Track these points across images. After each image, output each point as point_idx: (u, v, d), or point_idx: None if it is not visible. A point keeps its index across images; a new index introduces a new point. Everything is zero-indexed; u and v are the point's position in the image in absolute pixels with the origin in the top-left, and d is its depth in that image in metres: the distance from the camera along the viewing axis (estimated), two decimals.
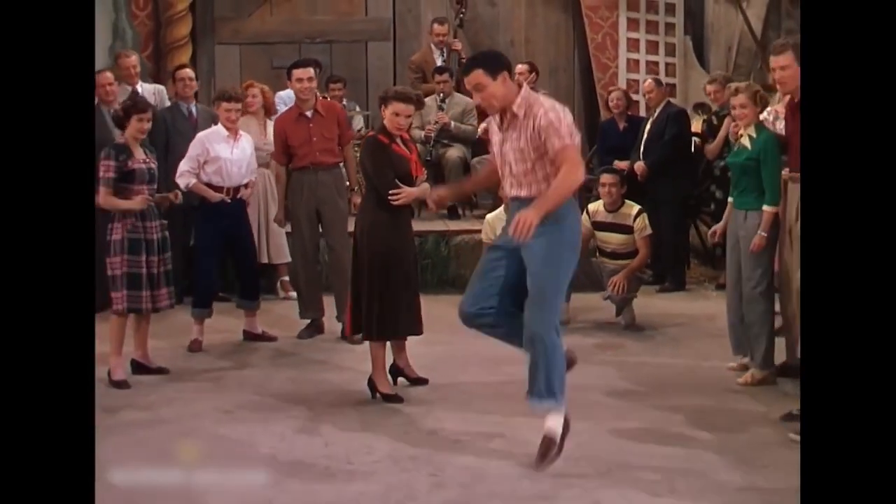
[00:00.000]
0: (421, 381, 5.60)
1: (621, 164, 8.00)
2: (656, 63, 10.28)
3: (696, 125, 8.60)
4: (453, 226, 8.58)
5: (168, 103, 8.23)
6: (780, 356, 5.68)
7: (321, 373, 5.96)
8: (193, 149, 6.59)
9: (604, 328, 7.02)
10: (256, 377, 5.92)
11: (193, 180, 6.51)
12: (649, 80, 8.71)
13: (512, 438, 4.65)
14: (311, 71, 6.78)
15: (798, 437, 4.61)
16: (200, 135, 6.70)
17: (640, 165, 8.16)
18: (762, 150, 5.54)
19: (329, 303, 6.82)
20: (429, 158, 8.56)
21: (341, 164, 6.97)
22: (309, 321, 6.84)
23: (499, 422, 4.92)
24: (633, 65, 10.30)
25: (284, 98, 8.13)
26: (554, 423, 4.28)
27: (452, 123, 8.85)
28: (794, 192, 5.44)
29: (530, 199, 4.25)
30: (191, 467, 4.45)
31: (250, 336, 6.77)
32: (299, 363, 6.21)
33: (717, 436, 4.79)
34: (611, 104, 8.76)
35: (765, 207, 5.50)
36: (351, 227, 6.74)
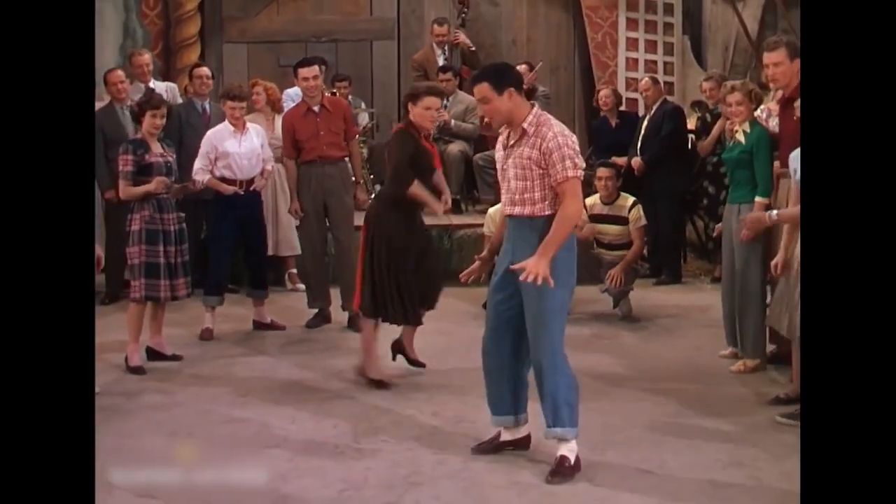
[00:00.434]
0: (419, 364, 5.82)
1: (619, 160, 8.21)
2: (655, 62, 10.45)
3: (693, 123, 8.80)
4: (456, 220, 8.77)
5: (180, 101, 8.47)
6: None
7: (329, 359, 6.19)
8: (203, 147, 6.83)
9: (601, 319, 7.23)
10: (267, 364, 6.16)
11: (208, 176, 6.75)
12: (646, 79, 8.91)
13: None
14: (316, 69, 6.99)
15: (784, 420, 4.89)
16: (209, 133, 6.93)
17: (637, 161, 8.38)
18: (755, 144, 5.74)
19: (336, 293, 7.04)
20: None
21: (347, 159, 7.18)
22: (316, 311, 7.08)
23: None
24: (632, 63, 10.49)
25: (292, 95, 8.33)
26: (565, 449, 4.26)
27: (453, 122, 9.03)
28: (785, 187, 5.67)
29: (524, 218, 4.24)
30: (207, 447, 4.69)
31: (260, 325, 7.00)
32: (308, 350, 6.44)
33: (707, 418, 5.03)
34: (600, 102, 8.95)
35: (756, 198, 5.69)
36: (359, 221, 7.06)
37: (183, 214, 6.17)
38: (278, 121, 7.70)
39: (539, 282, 4.04)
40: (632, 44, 10.52)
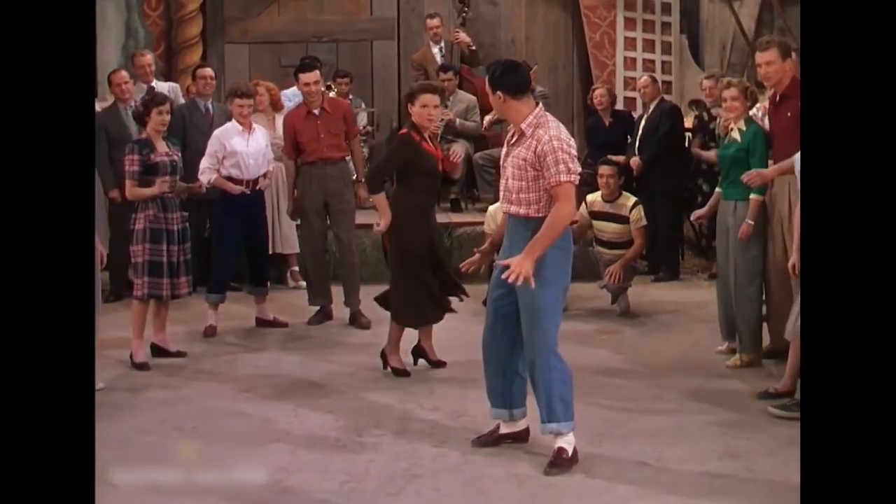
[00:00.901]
0: (440, 364, 5.90)
1: (617, 159, 8.25)
2: (653, 61, 10.51)
3: (690, 121, 8.87)
4: (456, 218, 8.86)
5: (182, 101, 8.54)
6: (765, 340, 5.98)
7: (330, 355, 6.26)
8: (211, 146, 6.90)
9: (600, 315, 7.31)
10: (269, 360, 6.23)
11: (215, 176, 6.82)
12: (645, 77, 8.97)
13: None
14: (317, 74, 7.07)
15: (776, 411, 4.97)
16: (217, 132, 7.00)
17: (635, 160, 8.45)
18: (751, 142, 5.81)
19: (337, 291, 7.11)
20: None
21: (348, 159, 7.26)
22: (318, 308, 7.15)
23: None
24: (630, 63, 10.56)
25: (289, 95, 8.41)
26: (562, 442, 4.33)
27: (457, 120, 9.10)
28: (778, 184, 5.74)
29: (520, 218, 4.30)
30: (211, 441, 4.77)
31: (262, 322, 7.08)
32: (309, 347, 6.52)
33: (703, 410, 5.11)
34: (595, 101, 9.01)
35: (752, 196, 5.76)
36: (358, 220, 7.15)
37: (186, 213, 6.24)
38: (279, 120, 7.79)
39: (520, 282, 4.11)
40: (630, 43, 10.58)
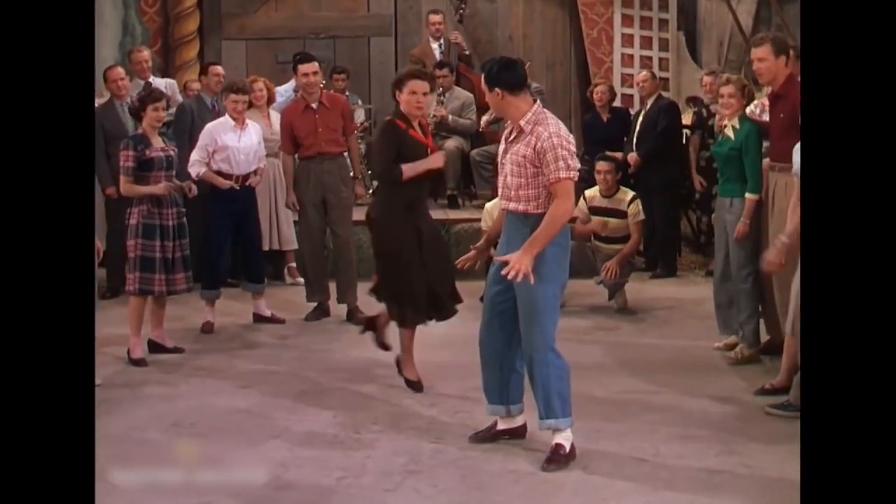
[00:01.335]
0: (414, 385, 5.48)
1: (615, 155, 8.26)
2: (650, 58, 10.52)
3: (688, 118, 8.88)
4: (453, 215, 8.86)
5: (179, 97, 8.56)
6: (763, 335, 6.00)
7: (328, 352, 6.27)
8: (203, 139, 6.89)
9: (597, 311, 7.32)
10: (267, 356, 6.23)
11: (204, 169, 6.82)
12: (645, 72, 8.97)
13: None
14: (315, 65, 7.08)
15: (774, 411, 4.97)
16: (209, 126, 7.00)
17: (633, 157, 8.46)
18: (744, 140, 5.82)
19: (334, 287, 7.11)
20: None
21: (345, 154, 7.26)
22: (315, 304, 7.15)
23: None
24: (627, 59, 10.57)
25: (282, 91, 8.44)
26: (560, 438, 4.34)
27: (450, 117, 9.09)
28: (776, 181, 5.74)
29: (519, 214, 4.31)
30: (209, 437, 4.77)
31: (259, 318, 7.08)
32: (307, 343, 6.53)
33: (700, 406, 5.12)
34: (595, 97, 9.00)
35: (746, 195, 5.78)
36: (358, 216, 7.10)
37: (184, 209, 6.24)
38: (273, 115, 7.79)
39: (519, 278, 4.12)
40: (627, 40, 10.59)
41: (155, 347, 6.20)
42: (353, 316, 6.95)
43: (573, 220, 4.87)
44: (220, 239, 6.99)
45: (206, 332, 6.77)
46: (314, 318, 7.09)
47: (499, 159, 4.49)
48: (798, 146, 4.90)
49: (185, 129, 7.69)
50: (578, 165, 4.30)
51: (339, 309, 7.10)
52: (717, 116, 7.45)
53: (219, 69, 8.31)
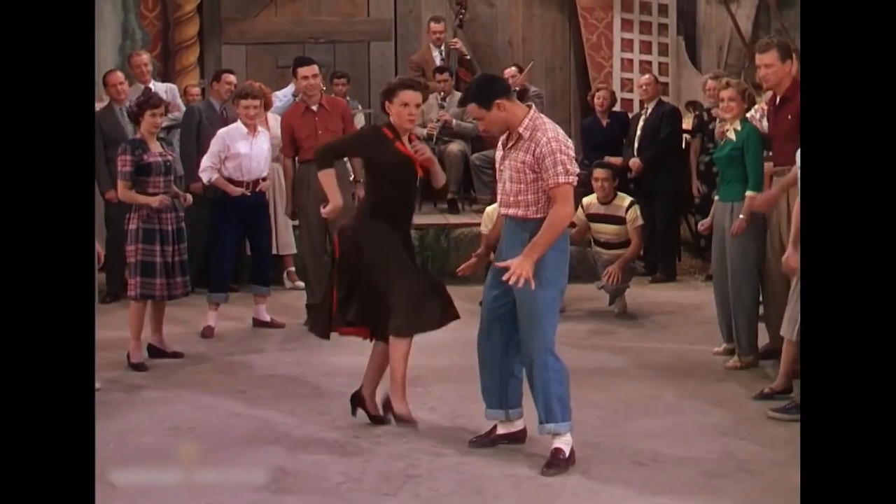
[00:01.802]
0: (381, 421, 4.95)
1: (614, 160, 8.28)
2: (650, 62, 10.53)
3: (688, 123, 8.88)
4: (453, 219, 8.87)
5: (179, 102, 8.56)
6: (762, 340, 5.98)
7: (328, 357, 6.22)
8: (214, 145, 6.91)
9: (597, 316, 7.32)
10: (267, 360, 6.24)
11: (216, 175, 6.84)
12: (648, 76, 8.97)
13: None
14: (315, 68, 7.09)
15: (776, 414, 4.97)
16: (221, 132, 7.01)
17: (635, 162, 8.46)
18: (745, 141, 5.81)
19: None
20: None
21: (346, 158, 7.24)
22: None
23: None
24: (627, 64, 10.58)
25: (280, 96, 8.45)
26: (559, 442, 4.33)
27: (454, 121, 9.12)
28: (776, 185, 5.74)
29: (518, 220, 4.32)
30: (208, 441, 4.76)
31: (259, 323, 7.08)
32: (307, 348, 6.48)
33: (700, 411, 5.12)
34: (596, 101, 9.00)
35: (747, 193, 5.76)
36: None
37: (182, 214, 6.24)
38: (271, 119, 7.79)
39: (521, 284, 4.13)
40: (627, 44, 10.61)
41: (155, 352, 6.20)
42: None
43: (572, 225, 4.86)
44: (230, 243, 7.02)
45: (206, 337, 6.77)
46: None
47: (497, 165, 4.50)
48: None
49: (192, 130, 7.74)
50: (577, 170, 4.31)
51: None
52: (718, 121, 7.45)
53: (231, 77, 8.22)
